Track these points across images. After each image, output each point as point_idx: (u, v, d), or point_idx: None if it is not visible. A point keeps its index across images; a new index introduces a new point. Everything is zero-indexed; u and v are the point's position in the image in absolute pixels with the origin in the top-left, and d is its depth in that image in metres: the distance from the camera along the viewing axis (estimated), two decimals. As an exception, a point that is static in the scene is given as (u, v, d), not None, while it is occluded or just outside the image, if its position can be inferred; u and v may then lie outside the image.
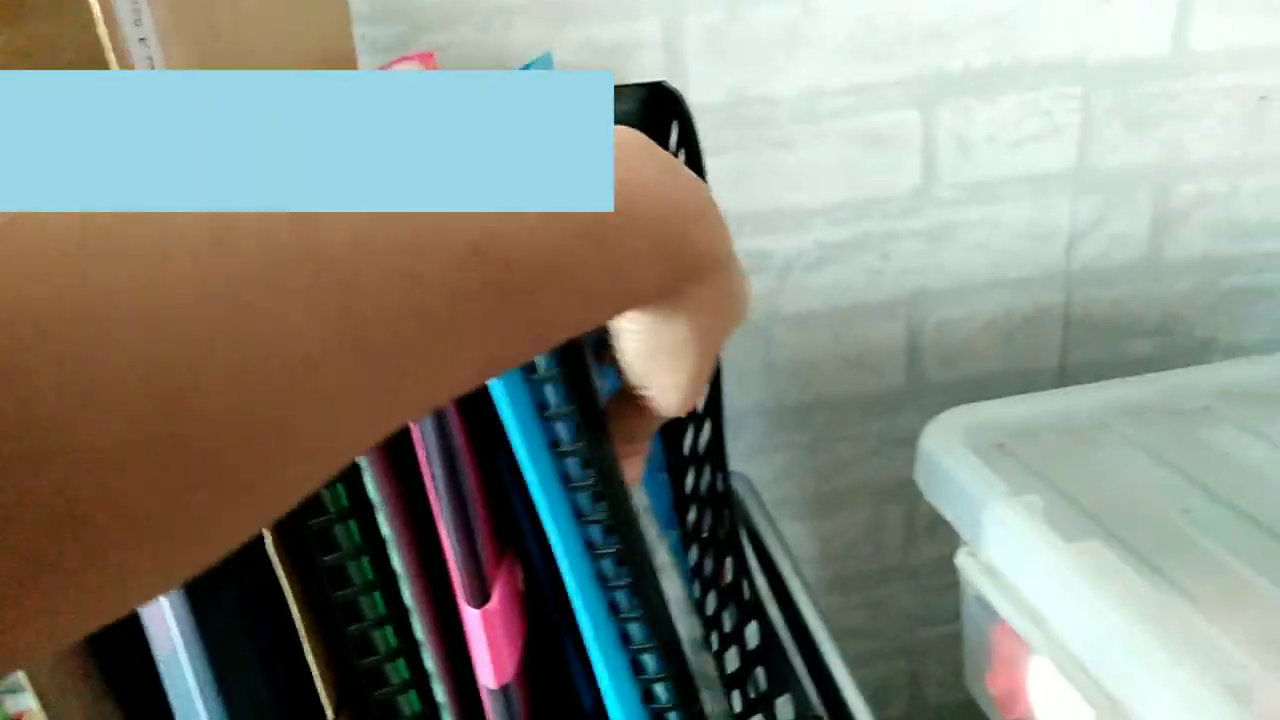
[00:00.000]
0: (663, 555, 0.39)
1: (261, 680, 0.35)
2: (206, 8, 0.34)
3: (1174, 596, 0.41)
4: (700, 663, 0.40)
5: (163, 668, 0.34)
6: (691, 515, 0.52)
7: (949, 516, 0.49)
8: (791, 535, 0.69)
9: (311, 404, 0.15)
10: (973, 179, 0.67)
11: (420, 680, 0.36)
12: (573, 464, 0.33)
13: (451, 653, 0.35)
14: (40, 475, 0.12)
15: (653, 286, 0.24)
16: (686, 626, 0.39)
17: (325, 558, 0.34)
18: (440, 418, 0.32)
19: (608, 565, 0.34)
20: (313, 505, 0.34)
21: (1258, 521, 0.45)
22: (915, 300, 0.70)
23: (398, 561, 0.34)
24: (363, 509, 0.34)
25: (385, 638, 0.35)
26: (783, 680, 0.41)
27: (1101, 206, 0.69)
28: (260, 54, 0.38)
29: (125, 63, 0.29)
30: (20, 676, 0.31)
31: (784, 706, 0.41)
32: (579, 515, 0.33)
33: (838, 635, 0.51)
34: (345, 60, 0.51)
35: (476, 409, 0.33)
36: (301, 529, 0.34)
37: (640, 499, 0.37)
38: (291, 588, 0.33)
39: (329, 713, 0.35)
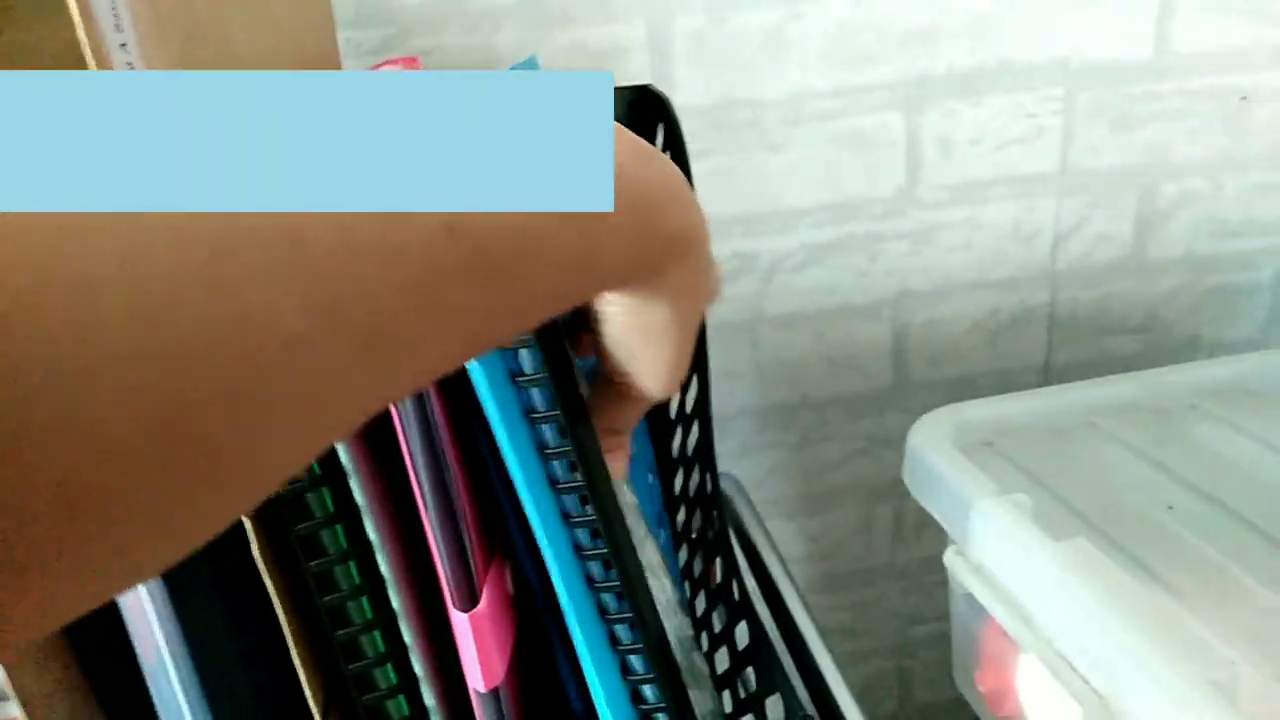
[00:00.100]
0: (652, 555, 0.39)
1: (248, 687, 0.35)
2: (188, 14, 0.34)
3: (1161, 593, 0.42)
4: (690, 663, 0.40)
5: (148, 675, 0.34)
6: (681, 516, 0.52)
7: (937, 515, 0.49)
8: (780, 535, 0.69)
9: (293, 383, 0.15)
10: (957, 180, 0.67)
11: (409, 684, 0.36)
12: (559, 465, 0.33)
13: (440, 656, 0.35)
14: (26, 455, 0.12)
15: (630, 264, 0.25)
16: (676, 627, 0.39)
17: (312, 563, 0.34)
18: (426, 421, 0.32)
19: (595, 567, 0.34)
20: (299, 510, 0.33)
21: (1243, 518, 0.46)
22: (901, 301, 0.70)
23: (385, 566, 0.34)
24: (349, 513, 0.34)
25: (373, 642, 0.35)
26: (772, 680, 0.41)
27: (1085, 207, 0.69)
28: (243, 59, 0.38)
29: (105, 68, 0.29)
30: (5, 684, 0.31)
31: (774, 706, 0.41)
32: (566, 517, 0.33)
33: (827, 635, 0.51)
34: (329, 64, 0.51)
35: (462, 412, 0.32)
36: (287, 535, 0.33)
37: (628, 498, 0.37)
38: (278, 593, 0.33)
39: (316, 718, 0.35)
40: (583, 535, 0.33)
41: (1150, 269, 0.72)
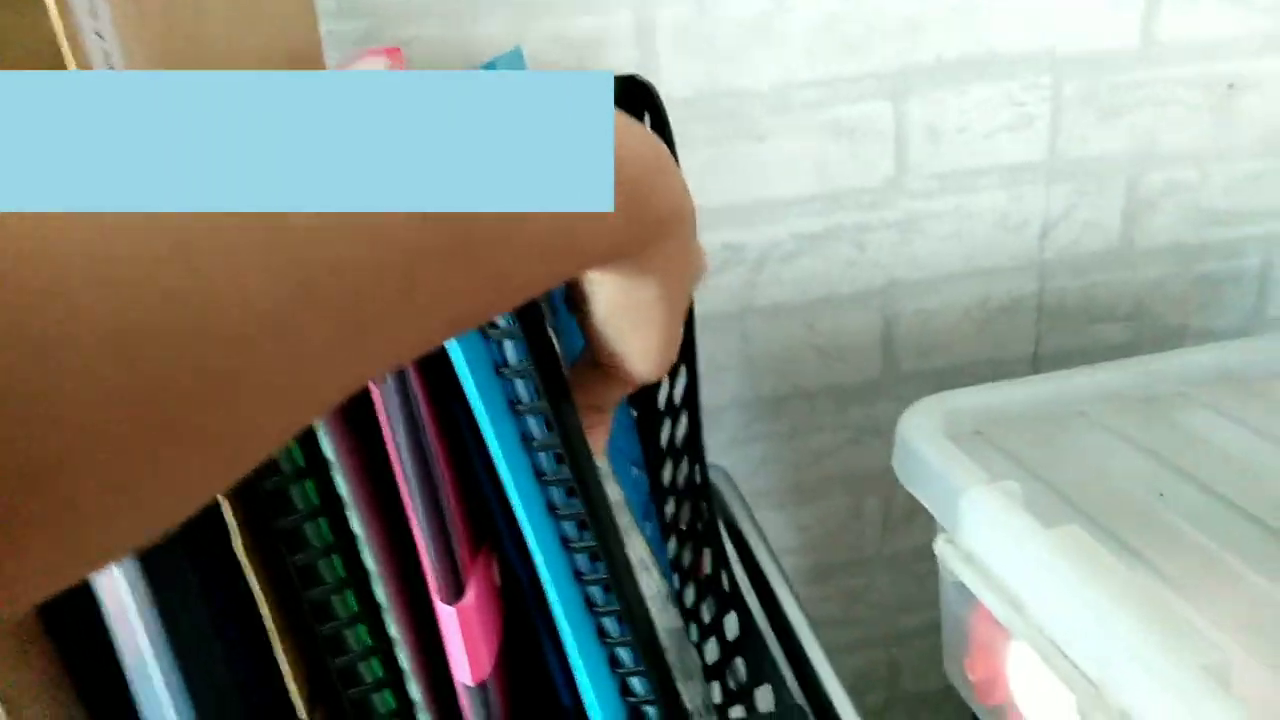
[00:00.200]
0: (640, 548, 0.39)
1: (232, 683, 0.34)
2: (167, 2, 0.33)
3: (1152, 580, 0.41)
4: (679, 655, 0.40)
5: (131, 674, 0.33)
6: (670, 508, 0.52)
7: (927, 504, 0.49)
8: (770, 526, 0.69)
9: (267, 361, 0.15)
10: (945, 169, 0.67)
11: (395, 678, 0.35)
12: (545, 458, 0.32)
13: (427, 649, 0.35)
14: (2, 431, 0.12)
15: (613, 241, 0.25)
16: (666, 619, 0.39)
17: (295, 557, 0.33)
18: (410, 413, 0.31)
19: (583, 560, 0.33)
20: (282, 504, 0.33)
21: (1233, 503, 0.46)
22: (889, 291, 0.70)
23: (369, 559, 0.34)
24: (333, 506, 0.33)
25: (358, 636, 0.35)
26: (762, 670, 0.41)
27: (1073, 196, 0.69)
28: (223, 49, 0.37)
29: (81, 58, 0.28)
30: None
31: (764, 696, 0.41)
32: (552, 510, 0.33)
33: (817, 625, 0.51)
34: (311, 55, 0.50)
35: (447, 402, 0.32)
36: (271, 528, 0.33)
37: (615, 491, 0.37)
38: (261, 588, 0.33)
39: (302, 713, 0.34)
40: (569, 528, 0.33)
41: (1138, 257, 0.72)
